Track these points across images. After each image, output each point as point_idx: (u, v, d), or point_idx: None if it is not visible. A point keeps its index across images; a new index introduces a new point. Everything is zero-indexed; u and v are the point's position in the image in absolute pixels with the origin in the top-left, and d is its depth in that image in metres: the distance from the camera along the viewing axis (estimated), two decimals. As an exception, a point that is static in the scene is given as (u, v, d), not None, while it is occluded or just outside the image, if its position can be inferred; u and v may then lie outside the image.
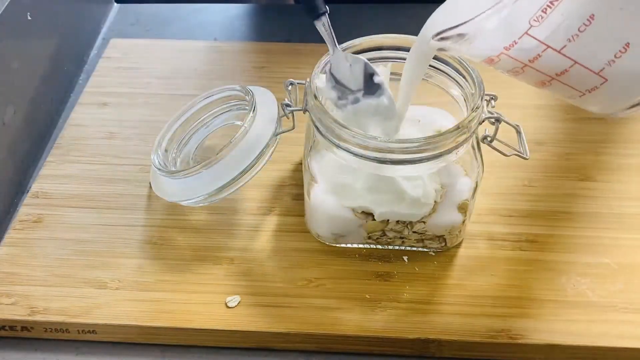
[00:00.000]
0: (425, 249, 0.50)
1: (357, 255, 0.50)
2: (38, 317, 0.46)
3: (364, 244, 0.50)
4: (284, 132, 0.50)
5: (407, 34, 0.49)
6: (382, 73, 0.49)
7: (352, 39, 0.49)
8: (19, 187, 0.59)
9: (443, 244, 0.50)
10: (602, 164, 0.57)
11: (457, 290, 0.48)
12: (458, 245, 0.50)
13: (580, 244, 0.51)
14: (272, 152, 0.50)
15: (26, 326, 0.47)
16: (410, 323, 0.46)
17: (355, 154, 0.44)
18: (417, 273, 0.49)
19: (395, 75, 0.51)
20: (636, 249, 0.50)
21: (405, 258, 0.50)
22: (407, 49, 0.49)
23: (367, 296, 0.47)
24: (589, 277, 0.49)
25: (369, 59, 0.49)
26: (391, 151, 0.43)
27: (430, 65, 0.49)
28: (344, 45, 0.49)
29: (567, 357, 0.46)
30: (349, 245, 0.50)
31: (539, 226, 0.52)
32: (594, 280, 0.48)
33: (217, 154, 0.48)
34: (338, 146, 0.44)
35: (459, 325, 0.46)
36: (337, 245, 0.50)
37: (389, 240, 0.49)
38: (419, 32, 0.49)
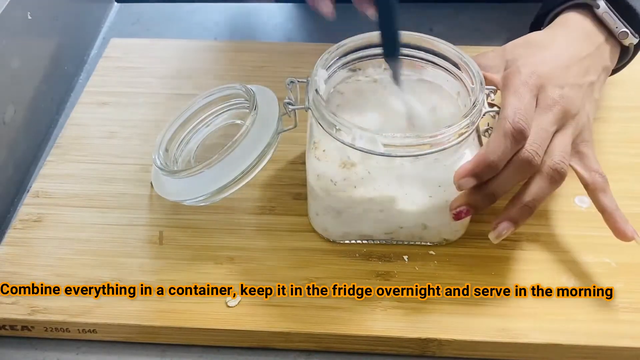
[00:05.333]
0: (426, 243, 0.50)
1: (357, 255, 0.50)
2: (38, 317, 0.46)
3: (367, 239, 0.50)
4: (285, 131, 0.50)
5: (406, 32, 0.49)
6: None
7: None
8: (19, 187, 0.59)
9: (444, 239, 0.50)
10: (603, 164, 0.56)
11: (457, 290, 0.48)
12: (458, 245, 0.51)
13: (580, 244, 0.51)
14: (274, 151, 0.50)
15: (27, 325, 0.47)
16: (410, 323, 0.46)
17: (357, 149, 0.44)
18: (417, 273, 0.49)
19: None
20: (636, 249, 0.50)
21: (405, 257, 0.50)
22: (403, 45, 0.50)
23: (367, 296, 0.47)
24: (589, 277, 0.49)
25: (366, 56, 0.50)
26: (394, 146, 0.43)
27: (429, 61, 0.49)
28: (342, 42, 0.49)
29: (567, 357, 0.46)
30: (352, 242, 0.50)
31: (539, 226, 0.52)
32: (594, 280, 0.48)
33: (219, 153, 0.48)
34: (341, 142, 0.44)
35: (459, 325, 0.46)
36: (341, 242, 0.51)
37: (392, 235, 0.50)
38: (416, 30, 0.49)
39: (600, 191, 0.47)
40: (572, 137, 0.47)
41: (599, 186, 0.47)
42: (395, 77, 0.49)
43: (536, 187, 0.45)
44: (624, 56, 0.54)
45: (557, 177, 0.45)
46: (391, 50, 0.48)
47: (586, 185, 0.48)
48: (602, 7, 0.51)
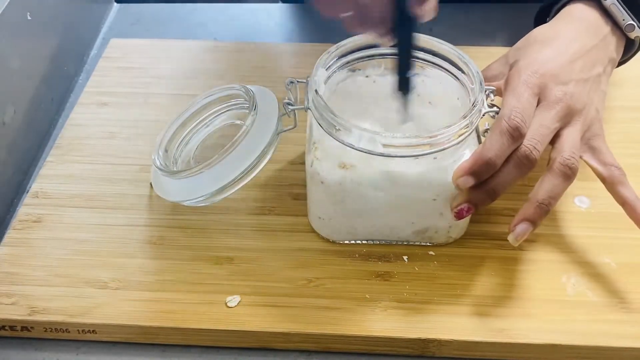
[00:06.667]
0: (426, 244, 0.50)
1: (357, 255, 0.50)
2: (38, 317, 0.46)
3: (367, 240, 0.50)
4: (285, 131, 0.50)
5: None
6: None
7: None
8: (19, 187, 0.59)
9: (448, 237, 0.50)
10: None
11: (457, 290, 0.48)
12: (458, 245, 0.51)
13: (580, 244, 0.51)
14: (274, 151, 0.50)
15: (26, 326, 0.47)
16: (410, 323, 0.46)
17: (357, 149, 0.44)
18: (417, 273, 0.49)
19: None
20: (636, 249, 0.50)
21: (405, 258, 0.50)
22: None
23: (367, 296, 0.47)
24: (589, 277, 0.49)
25: (366, 56, 0.50)
26: (394, 146, 0.43)
27: (429, 61, 0.50)
28: (342, 42, 0.49)
29: (567, 357, 0.46)
30: (352, 242, 0.50)
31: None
32: (594, 280, 0.48)
33: (219, 153, 0.48)
34: (341, 142, 0.44)
35: (459, 325, 0.46)
36: (340, 242, 0.51)
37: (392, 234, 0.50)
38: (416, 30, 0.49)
39: (618, 184, 0.47)
40: (581, 132, 0.47)
41: (617, 179, 0.47)
42: (404, 113, 0.47)
43: (550, 185, 0.45)
44: (628, 49, 0.54)
45: (569, 173, 0.45)
46: (404, 86, 0.46)
47: (603, 180, 0.47)
48: None
